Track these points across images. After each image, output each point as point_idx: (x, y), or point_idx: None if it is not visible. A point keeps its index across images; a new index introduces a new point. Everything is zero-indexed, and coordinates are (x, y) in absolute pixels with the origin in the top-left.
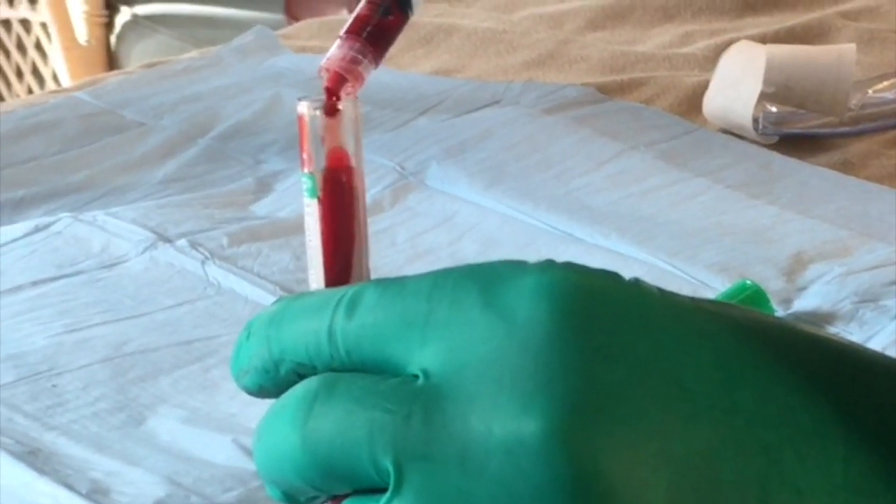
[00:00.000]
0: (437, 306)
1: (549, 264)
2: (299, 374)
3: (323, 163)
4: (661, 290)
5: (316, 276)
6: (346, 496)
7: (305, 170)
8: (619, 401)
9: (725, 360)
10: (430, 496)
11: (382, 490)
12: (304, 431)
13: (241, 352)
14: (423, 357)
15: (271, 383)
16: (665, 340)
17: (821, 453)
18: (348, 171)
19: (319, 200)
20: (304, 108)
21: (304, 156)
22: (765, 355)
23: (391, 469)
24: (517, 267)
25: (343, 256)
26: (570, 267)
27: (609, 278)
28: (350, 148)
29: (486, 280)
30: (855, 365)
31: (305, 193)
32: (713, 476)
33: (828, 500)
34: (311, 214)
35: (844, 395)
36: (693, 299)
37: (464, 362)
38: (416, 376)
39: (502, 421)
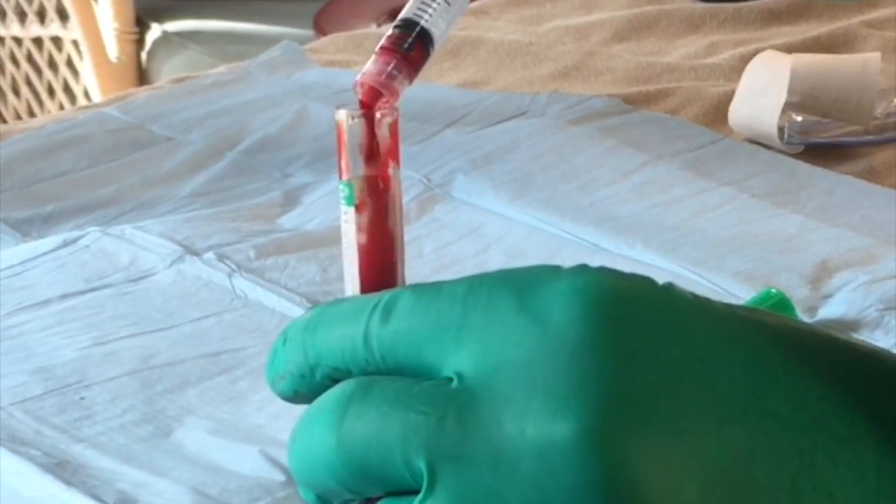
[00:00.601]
0: (472, 310)
1: (582, 269)
2: (334, 380)
3: (360, 170)
4: (694, 295)
5: (352, 284)
6: (379, 499)
7: (343, 178)
8: (651, 403)
9: (759, 364)
10: (462, 497)
11: (415, 492)
12: (340, 432)
13: (276, 357)
14: (457, 360)
15: (307, 388)
16: (698, 344)
17: (853, 459)
18: (385, 178)
19: (356, 208)
20: (342, 115)
21: (342, 164)
22: (798, 360)
23: (424, 470)
24: (551, 271)
25: (379, 263)
26: (603, 271)
27: (642, 282)
28: (387, 153)
29: (520, 284)
30: (888, 371)
31: (342, 201)
32: (745, 479)
33: (860, 500)
34: (348, 222)
35: (878, 402)
36: (726, 305)
37: (497, 365)
38: (451, 379)
39: (535, 423)
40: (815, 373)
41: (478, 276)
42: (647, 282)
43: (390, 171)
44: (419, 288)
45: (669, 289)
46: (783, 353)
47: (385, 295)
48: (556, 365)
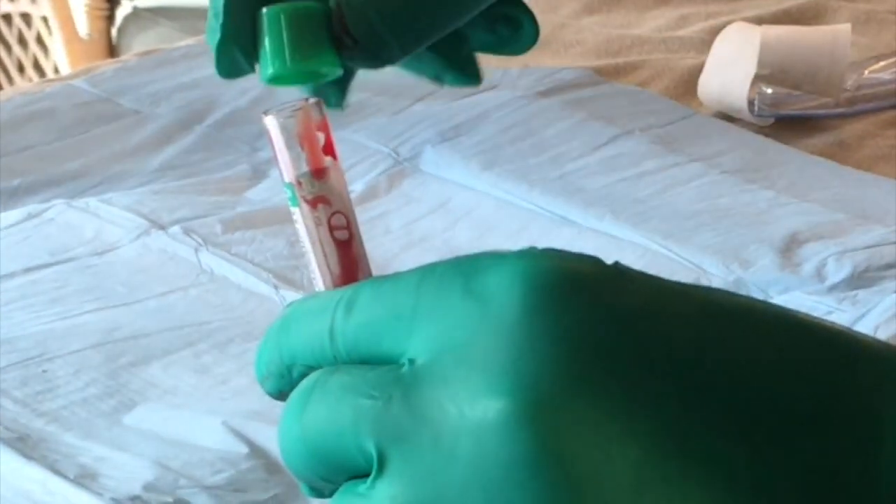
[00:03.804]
0: (423, 297)
1: (528, 251)
2: None
3: (305, 167)
4: (643, 274)
5: (320, 279)
6: None
7: (285, 179)
8: (583, 381)
9: (701, 342)
10: (409, 479)
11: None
12: (302, 423)
13: (260, 358)
14: (410, 346)
15: (288, 387)
16: (637, 322)
17: (798, 436)
18: (326, 171)
19: (311, 204)
20: (271, 121)
21: (282, 166)
22: (744, 340)
23: (374, 453)
24: (499, 255)
25: (342, 255)
26: (548, 253)
27: (586, 262)
28: (323, 146)
29: (469, 269)
30: (842, 348)
31: (289, 203)
32: (680, 453)
33: (800, 479)
34: (299, 221)
35: (828, 380)
36: (678, 284)
37: (442, 347)
38: (403, 364)
39: (471, 402)
40: (762, 351)
41: (431, 265)
42: (593, 262)
43: (330, 162)
44: (378, 280)
45: (614, 268)
46: (730, 333)
47: (347, 290)
48: (494, 345)
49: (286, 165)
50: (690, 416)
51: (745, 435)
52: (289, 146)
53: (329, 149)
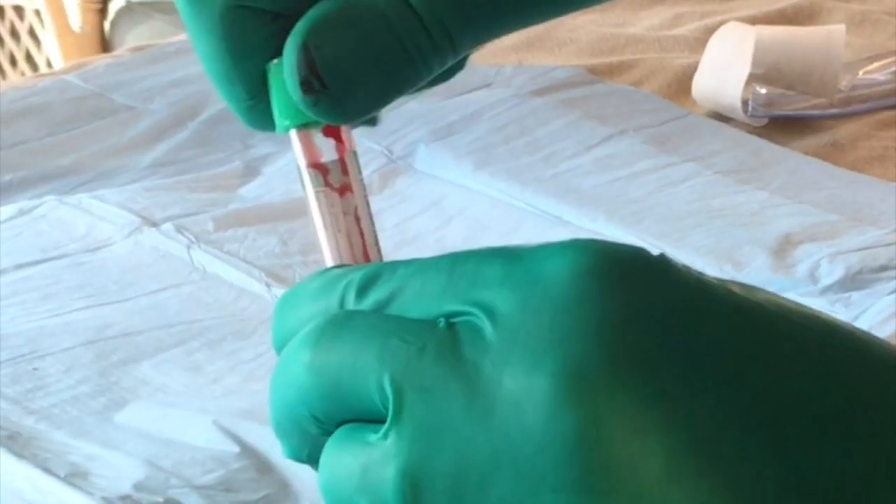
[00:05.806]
0: (459, 279)
1: (574, 240)
2: None
3: (333, 155)
4: (686, 267)
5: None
6: None
7: (307, 166)
8: (627, 370)
9: (740, 337)
10: (429, 431)
11: (379, 422)
12: (316, 349)
13: (275, 332)
14: (443, 312)
15: None
16: (681, 315)
17: (828, 439)
18: (353, 158)
19: (339, 192)
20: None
21: (306, 154)
22: (780, 340)
23: (392, 395)
24: (545, 244)
25: (364, 245)
26: (596, 241)
27: (634, 253)
28: (344, 134)
29: (508, 253)
30: (875, 353)
31: (310, 191)
32: (713, 448)
33: (828, 483)
34: (322, 211)
35: (860, 385)
36: (719, 280)
37: (480, 314)
38: (439, 322)
39: (512, 374)
40: (796, 351)
41: (462, 252)
42: (640, 252)
43: (344, 153)
44: (396, 262)
45: (661, 259)
46: (769, 331)
47: (363, 268)
48: (540, 323)
49: (312, 152)
50: (723, 412)
51: (775, 435)
52: (316, 136)
53: (345, 137)
